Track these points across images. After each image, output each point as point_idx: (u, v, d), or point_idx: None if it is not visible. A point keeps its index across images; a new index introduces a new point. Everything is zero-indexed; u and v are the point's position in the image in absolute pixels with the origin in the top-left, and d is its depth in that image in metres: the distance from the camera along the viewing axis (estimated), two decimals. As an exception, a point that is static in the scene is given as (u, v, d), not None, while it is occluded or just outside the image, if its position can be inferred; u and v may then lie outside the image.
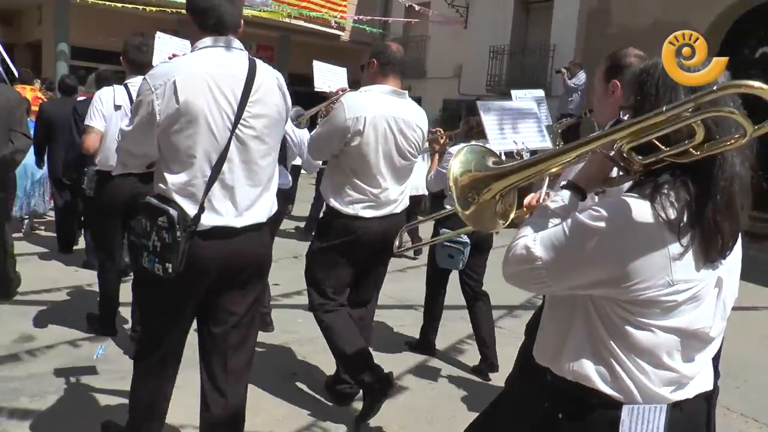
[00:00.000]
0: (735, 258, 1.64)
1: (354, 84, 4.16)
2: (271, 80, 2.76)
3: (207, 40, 2.68)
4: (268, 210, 2.82)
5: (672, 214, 1.46)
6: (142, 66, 4.41)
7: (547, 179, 1.85)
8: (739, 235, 1.60)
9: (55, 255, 7.39)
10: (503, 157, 1.79)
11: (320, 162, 5.54)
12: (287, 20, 19.44)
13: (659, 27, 12.44)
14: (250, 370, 2.98)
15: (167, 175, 2.61)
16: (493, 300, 4.87)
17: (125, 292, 4.60)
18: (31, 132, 5.56)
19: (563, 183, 1.73)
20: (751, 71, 10.81)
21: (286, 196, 5.44)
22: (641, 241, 1.48)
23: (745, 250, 1.72)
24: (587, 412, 1.62)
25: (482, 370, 4.75)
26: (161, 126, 2.56)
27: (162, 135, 2.59)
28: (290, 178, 5.57)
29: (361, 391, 3.94)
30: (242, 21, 2.78)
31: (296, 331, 5.31)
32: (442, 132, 5.09)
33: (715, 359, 3.45)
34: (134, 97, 3.15)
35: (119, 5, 15.72)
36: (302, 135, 5.14)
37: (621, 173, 1.61)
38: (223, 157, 2.60)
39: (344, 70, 4.91)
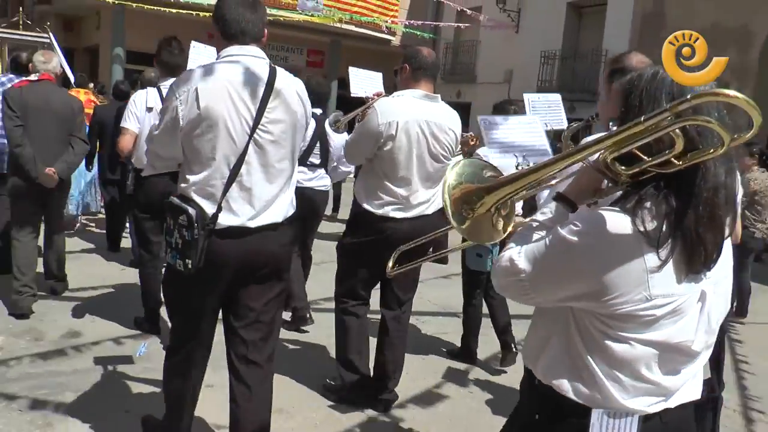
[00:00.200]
0: (722, 271, 1.60)
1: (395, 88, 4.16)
2: (290, 87, 2.86)
3: (230, 49, 2.82)
4: (284, 211, 2.92)
5: (651, 226, 1.45)
6: (174, 68, 4.60)
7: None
8: (727, 247, 1.59)
9: (104, 253, 7.56)
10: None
11: (349, 170, 5.65)
12: (338, 25, 19.55)
13: (717, 31, 12.14)
14: (272, 364, 3.11)
15: (189, 176, 2.76)
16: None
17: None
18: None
19: (553, 195, 1.70)
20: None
21: (334, 199, 5.53)
22: (618, 256, 1.47)
23: None
24: (560, 416, 1.64)
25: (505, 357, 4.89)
26: (184, 130, 2.71)
27: (185, 138, 2.74)
28: (330, 180, 5.65)
29: (392, 397, 4.05)
30: (266, 30, 2.90)
31: (337, 334, 5.28)
32: (473, 134, 5.07)
33: (718, 370, 3.32)
34: None
35: (173, 11, 16.06)
36: (340, 140, 5.16)
37: (610, 184, 1.59)
38: (241, 160, 2.73)
39: (380, 75, 4.94)
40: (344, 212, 10.71)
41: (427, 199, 3.88)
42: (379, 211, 3.81)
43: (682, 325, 1.53)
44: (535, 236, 1.62)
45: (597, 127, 3.01)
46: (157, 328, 4.96)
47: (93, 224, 9.00)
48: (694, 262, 1.48)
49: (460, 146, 4.53)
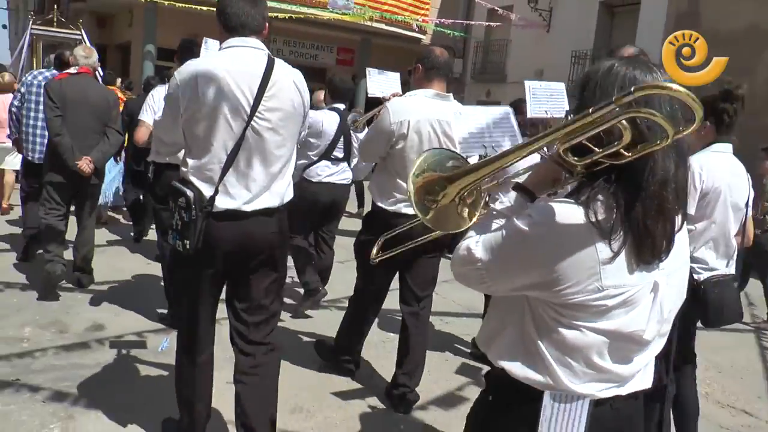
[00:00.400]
0: (676, 262, 1.61)
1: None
2: (287, 77, 2.99)
3: (230, 41, 2.96)
4: (281, 197, 3.05)
5: (603, 218, 1.47)
6: None
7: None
8: (681, 238, 1.62)
9: (131, 246, 7.66)
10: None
11: (371, 167, 5.73)
12: (368, 23, 19.53)
13: (755, 31, 11.88)
14: (276, 345, 3.27)
15: (189, 161, 2.92)
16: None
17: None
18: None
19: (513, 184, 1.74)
20: None
21: (357, 195, 5.62)
22: (570, 246, 1.49)
23: None
24: (513, 398, 1.67)
25: None
26: (184, 116, 2.86)
27: (185, 124, 2.88)
28: (352, 174, 5.75)
29: (413, 398, 4.05)
30: (267, 24, 3.02)
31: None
32: None
33: (666, 359, 3.25)
34: None
35: (204, 8, 16.15)
36: (363, 136, 5.21)
37: (567, 175, 1.61)
38: (238, 145, 2.86)
39: (397, 75, 5.00)
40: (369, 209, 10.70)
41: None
42: (392, 208, 3.88)
43: (634, 315, 1.55)
44: (494, 225, 1.65)
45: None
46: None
47: (120, 216, 9.08)
48: (644, 253, 1.50)
49: None
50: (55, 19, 15.01)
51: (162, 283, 5.35)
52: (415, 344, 4.07)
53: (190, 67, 2.87)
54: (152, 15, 18.01)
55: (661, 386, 3.21)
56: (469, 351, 5.16)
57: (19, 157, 7.41)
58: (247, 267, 3.05)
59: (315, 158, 5.52)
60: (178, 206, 2.89)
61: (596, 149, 1.46)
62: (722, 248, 3.49)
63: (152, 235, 7.64)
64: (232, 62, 2.86)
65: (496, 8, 18.86)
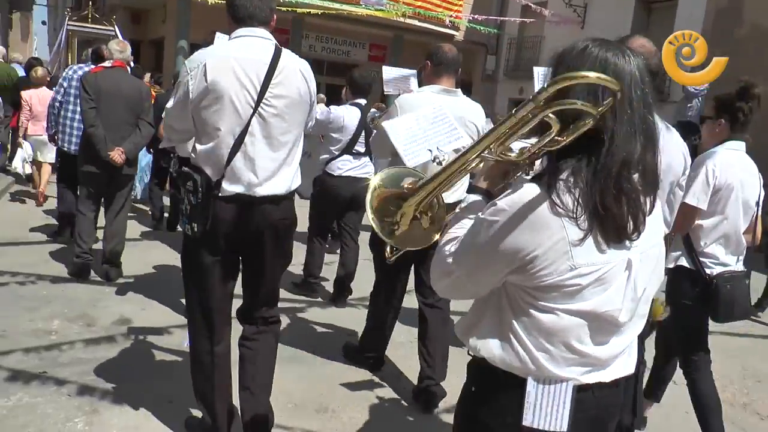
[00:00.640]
0: (649, 241, 1.62)
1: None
2: (293, 66, 3.08)
3: (238, 31, 3.05)
4: (287, 184, 3.13)
5: (568, 200, 1.48)
6: None
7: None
8: (655, 218, 1.64)
9: (161, 237, 7.73)
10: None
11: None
12: (401, 19, 19.41)
13: (797, 28, 11.54)
14: (277, 326, 3.42)
15: (197, 146, 3.01)
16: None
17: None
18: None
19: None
20: None
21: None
22: (537, 226, 1.49)
23: None
24: (496, 386, 1.66)
25: None
26: (193, 102, 2.93)
27: (194, 110, 2.96)
28: (374, 169, 5.77)
29: (438, 391, 4.02)
30: (274, 15, 3.13)
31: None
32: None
33: (640, 343, 3.18)
34: None
35: (238, 4, 16.21)
36: None
37: (514, 167, 1.67)
38: (245, 131, 2.95)
39: (414, 72, 5.03)
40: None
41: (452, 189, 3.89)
42: None
43: (609, 294, 1.55)
44: (459, 231, 1.66)
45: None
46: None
47: (147, 208, 9.16)
48: (609, 233, 1.51)
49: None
50: (89, 16, 15.21)
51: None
52: (435, 335, 4.04)
53: (200, 55, 2.97)
54: (185, 11, 18.12)
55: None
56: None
57: (54, 150, 7.77)
58: (253, 250, 3.13)
59: (337, 153, 5.63)
60: (187, 190, 3.00)
61: (530, 142, 1.55)
62: (733, 245, 3.54)
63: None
64: (240, 50, 2.96)
65: (530, 4, 18.63)
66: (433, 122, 3.39)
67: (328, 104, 6.76)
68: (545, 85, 1.41)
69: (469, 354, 1.75)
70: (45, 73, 9.49)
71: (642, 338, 3.60)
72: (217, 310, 3.17)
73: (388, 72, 5.27)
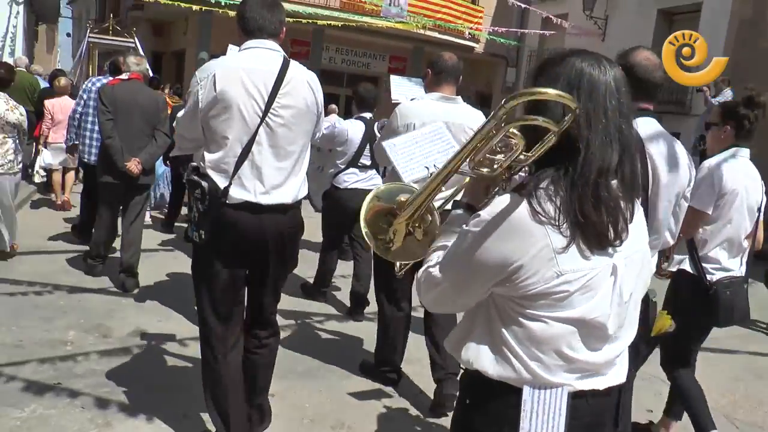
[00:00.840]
0: (633, 247, 1.63)
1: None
2: (301, 77, 3.15)
3: (248, 43, 3.14)
4: (294, 193, 3.19)
5: (550, 208, 1.50)
6: None
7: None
8: (639, 224, 1.66)
9: (179, 247, 7.74)
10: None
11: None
12: (421, 31, 19.43)
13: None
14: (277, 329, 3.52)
15: (206, 154, 3.06)
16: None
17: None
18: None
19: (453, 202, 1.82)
20: None
21: None
22: (520, 236, 1.50)
23: None
24: (490, 395, 1.66)
25: None
26: (203, 111, 3.00)
27: (203, 119, 3.02)
28: (382, 182, 5.77)
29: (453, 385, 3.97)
30: (283, 28, 3.21)
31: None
32: None
33: (635, 353, 3.11)
34: None
35: (258, 16, 16.32)
36: None
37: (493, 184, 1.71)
38: (252, 140, 3.01)
39: (421, 81, 5.10)
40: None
41: (445, 197, 3.85)
42: None
43: (596, 301, 1.56)
44: (445, 243, 1.68)
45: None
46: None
47: (163, 217, 9.19)
48: (590, 241, 1.52)
49: None
50: (110, 28, 15.37)
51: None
52: (443, 324, 4.03)
53: (210, 65, 3.05)
54: (206, 23, 18.28)
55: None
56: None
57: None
58: (259, 256, 3.18)
59: (342, 166, 5.76)
60: (195, 197, 3.06)
61: (499, 157, 1.61)
62: (735, 249, 3.62)
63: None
64: (249, 61, 3.05)
65: (550, 16, 18.56)
66: (432, 141, 3.44)
67: (346, 117, 6.81)
68: (503, 102, 1.45)
69: (460, 368, 1.74)
70: (68, 83, 9.71)
71: (645, 354, 3.57)
72: (227, 316, 3.22)
73: (397, 81, 5.39)
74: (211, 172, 3.04)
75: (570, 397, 1.60)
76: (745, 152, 3.59)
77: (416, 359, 4.70)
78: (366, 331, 5.39)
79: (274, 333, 3.49)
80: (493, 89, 23.14)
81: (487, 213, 1.55)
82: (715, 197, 3.50)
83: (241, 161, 3.00)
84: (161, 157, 7.91)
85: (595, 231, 1.51)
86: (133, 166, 5.73)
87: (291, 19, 16.60)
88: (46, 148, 9.28)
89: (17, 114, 6.14)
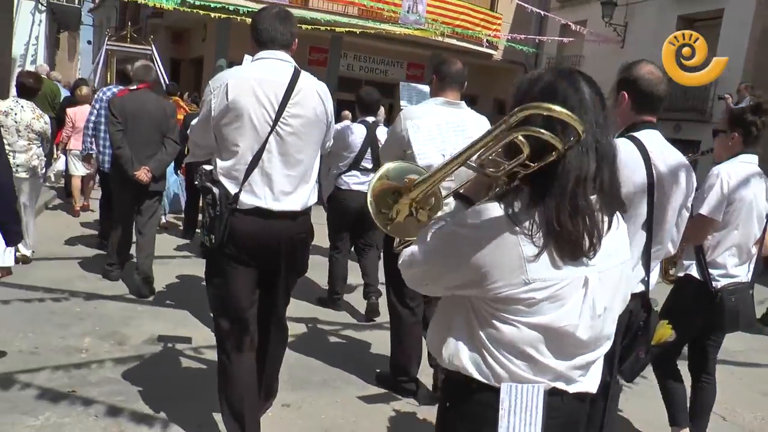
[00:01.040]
0: (609, 261, 1.65)
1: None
2: (311, 87, 3.22)
3: (260, 53, 3.22)
4: (304, 201, 3.26)
5: (525, 217, 1.54)
6: None
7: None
8: (620, 237, 1.69)
9: (196, 251, 7.74)
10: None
11: None
12: (439, 39, 19.39)
13: None
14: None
15: (218, 161, 3.16)
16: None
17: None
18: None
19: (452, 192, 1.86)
20: None
21: None
22: (493, 242, 1.55)
23: None
24: (469, 396, 1.70)
25: None
26: (215, 120, 3.08)
27: (216, 127, 3.11)
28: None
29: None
30: (296, 40, 3.29)
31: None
32: None
33: (610, 360, 3.07)
34: None
35: (277, 23, 16.36)
36: None
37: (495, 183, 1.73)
38: (263, 148, 3.09)
39: (428, 86, 5.11)
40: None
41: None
42: None
43: (566, 310, 1.59)
44: (435, 230, 1.71)
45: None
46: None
47: (180, 223, 9.20)
48: (564, 250, 1.55)
49: None
50: (128, 36, 15.48)
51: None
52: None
53: (223, 75, 3.14)
54: (225, 30, 18.35)
55: (605, 382, 3.14)
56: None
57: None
58: (269, 260, 3.25)
59: (344, 168, 5.88)
60: (207, 203, 3.15)
61: (505, 161, 1.62)
62: (744, 255, 3.64)
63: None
64: (261, 72, 3.13)
65: (569, 23, 18.47)
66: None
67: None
68: (515, 110, 1.48)
69: (441, 373, 1.73)
70: (89, 92, 9.84)
71: (644, 363, 3.54)
72: (239, 318, 3.28)
73: (405, 87, 5.50)
74: (222, 179, 3.12)
75: (546, 394, 1.64)
76: (753, 159, 3.61)
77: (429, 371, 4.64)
78: (383, 341, 5.32)
79: (285, 335, 3.59)
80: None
81: (468, 215, 1.62)
82: (724, 204, 3.50)
83: (252, 169, 3.08)
84: (173, 165, 8.09)
85: (570, 240, 1.55)
86: (143, 174, 5.86)
87: (309, 27, 16.66)
88: (64, 154, 9.39)
89: (42, 122, 6.39)
